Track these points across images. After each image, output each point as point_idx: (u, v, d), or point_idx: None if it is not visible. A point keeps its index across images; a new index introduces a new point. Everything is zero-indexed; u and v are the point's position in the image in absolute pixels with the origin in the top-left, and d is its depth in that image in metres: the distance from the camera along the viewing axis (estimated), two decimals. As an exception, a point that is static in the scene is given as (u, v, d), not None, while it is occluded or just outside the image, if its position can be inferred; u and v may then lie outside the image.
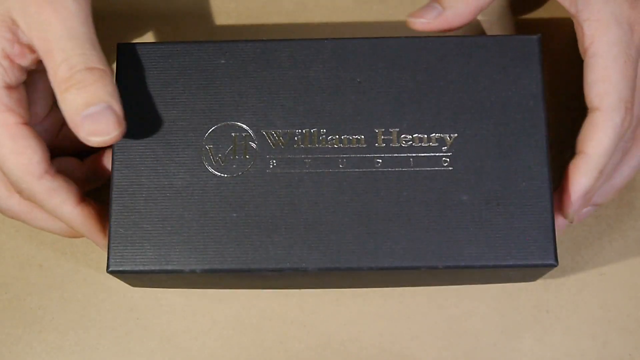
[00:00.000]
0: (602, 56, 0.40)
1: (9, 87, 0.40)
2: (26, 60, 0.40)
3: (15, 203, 0.42)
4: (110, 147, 0.41)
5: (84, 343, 0.46)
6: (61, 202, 0.40)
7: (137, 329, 0.46)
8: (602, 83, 0.40)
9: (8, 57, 0.39)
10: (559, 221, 0.42)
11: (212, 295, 0.47)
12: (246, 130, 0.41)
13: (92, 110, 0.38)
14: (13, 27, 0.39)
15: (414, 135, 0.41)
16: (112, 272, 0.39)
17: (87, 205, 0.41)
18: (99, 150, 0.45)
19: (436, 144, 0.41)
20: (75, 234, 0.43)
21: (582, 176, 0.41)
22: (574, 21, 0.42)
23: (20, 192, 0.40)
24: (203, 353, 0.46)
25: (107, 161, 0.45)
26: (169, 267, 0.39)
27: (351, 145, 0.41)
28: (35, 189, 0.40)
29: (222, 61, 0.41)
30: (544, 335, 0.46)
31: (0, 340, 0.46)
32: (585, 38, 0.41)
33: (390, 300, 0.46)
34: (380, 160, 0.40)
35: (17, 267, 0.47)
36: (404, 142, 0.41)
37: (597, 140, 0.40)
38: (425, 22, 0.42)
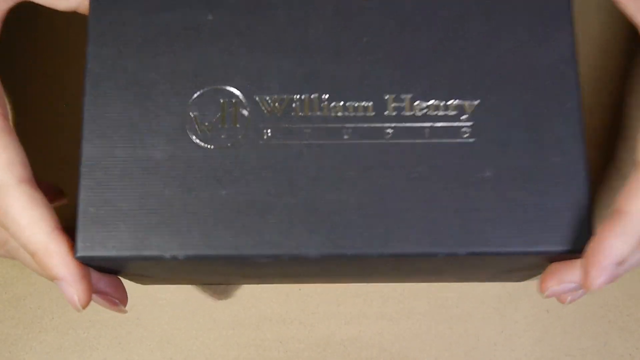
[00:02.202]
0: None
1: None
2: None
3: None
4: None
5: (84, 343, 0.48)
6: (66, 253, 0.38)
7: (137, 329, 0.48)
8: None
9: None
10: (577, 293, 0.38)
11: (212, 295, 0.48)
12: (236, 96, 0.39)
13: None
14: None
15: (429, 102, 0.39)
16: (80, 258, 0.37)
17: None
18: None
19: (455, 112, 0.38)
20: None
21: (617, 239, 0.36)
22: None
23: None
24: (203, 353, 0.47)
25: None
26: (147, 253, 0.37)
27: (357, 114, 0.38)
28: (46, 247, 0.37)
29: (209, 17, 0.39)
30: (544, 335, 0.47)
31: (0, 340, 0.48)
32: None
33: (390, 300, 0.48)
34: (391, 131, 0.38)
35: (17, 267, 0.48)
36: (417, 109, 0.38)
37: None
38: None
